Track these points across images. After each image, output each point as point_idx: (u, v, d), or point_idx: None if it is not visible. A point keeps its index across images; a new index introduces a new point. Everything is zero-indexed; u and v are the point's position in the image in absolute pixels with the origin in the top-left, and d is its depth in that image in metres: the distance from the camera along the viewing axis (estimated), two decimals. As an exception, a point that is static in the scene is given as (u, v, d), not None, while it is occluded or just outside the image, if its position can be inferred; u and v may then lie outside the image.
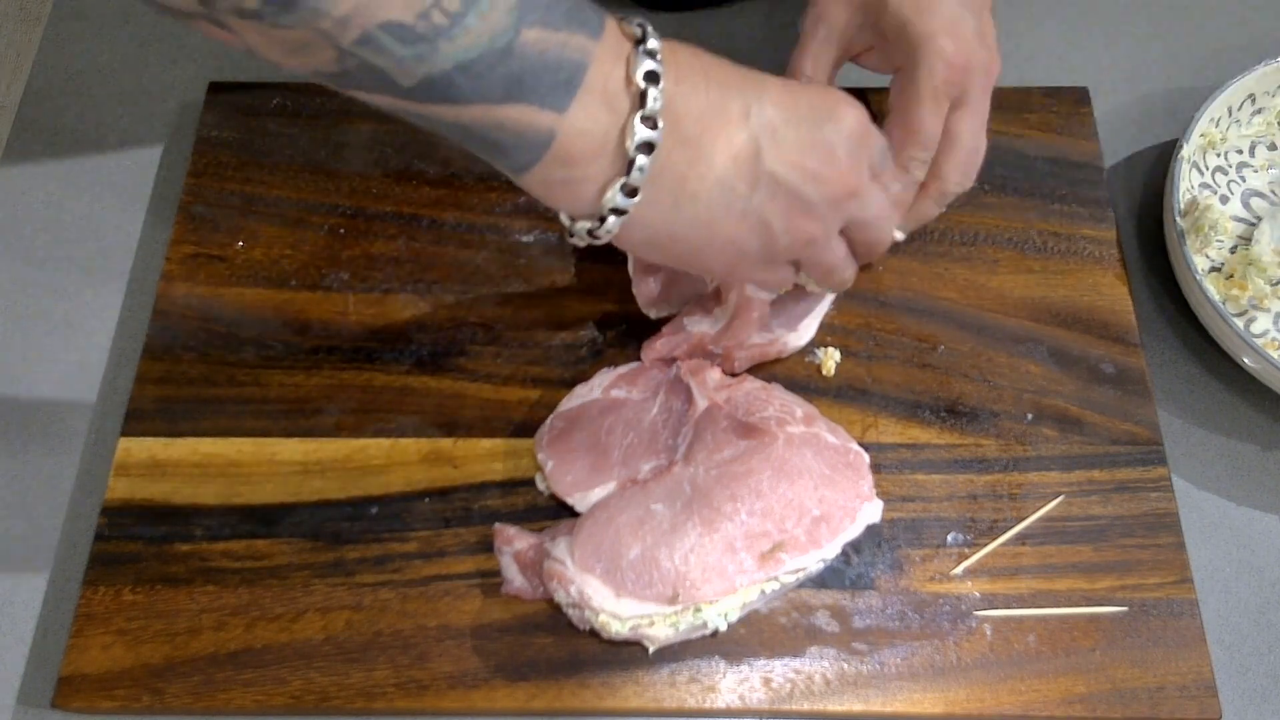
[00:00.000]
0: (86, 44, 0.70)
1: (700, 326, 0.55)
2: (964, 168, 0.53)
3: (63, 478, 0.56)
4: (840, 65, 0.54)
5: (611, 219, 0.41)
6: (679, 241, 0.43)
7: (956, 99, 0.51)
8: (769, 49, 0.70)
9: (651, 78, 0.38)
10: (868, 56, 0.53)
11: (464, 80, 0.36)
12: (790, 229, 0.44)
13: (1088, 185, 0.62)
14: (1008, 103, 0.65)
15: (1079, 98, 0.65)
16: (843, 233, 0.48)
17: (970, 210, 0.62)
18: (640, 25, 0.40)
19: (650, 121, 0.39)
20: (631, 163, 0.39)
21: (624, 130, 0.39)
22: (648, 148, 0.39)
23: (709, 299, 0.55)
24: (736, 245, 0.44)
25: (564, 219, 0.43)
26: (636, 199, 0.40)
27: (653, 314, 0.57)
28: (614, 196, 0.40)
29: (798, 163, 0.42)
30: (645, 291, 0.57)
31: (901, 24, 0.50)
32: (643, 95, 0.38)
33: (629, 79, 0.38)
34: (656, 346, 0.55)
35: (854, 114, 0.44)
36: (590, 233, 0.42)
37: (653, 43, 0.39)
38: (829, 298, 0.57)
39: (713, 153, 0.41)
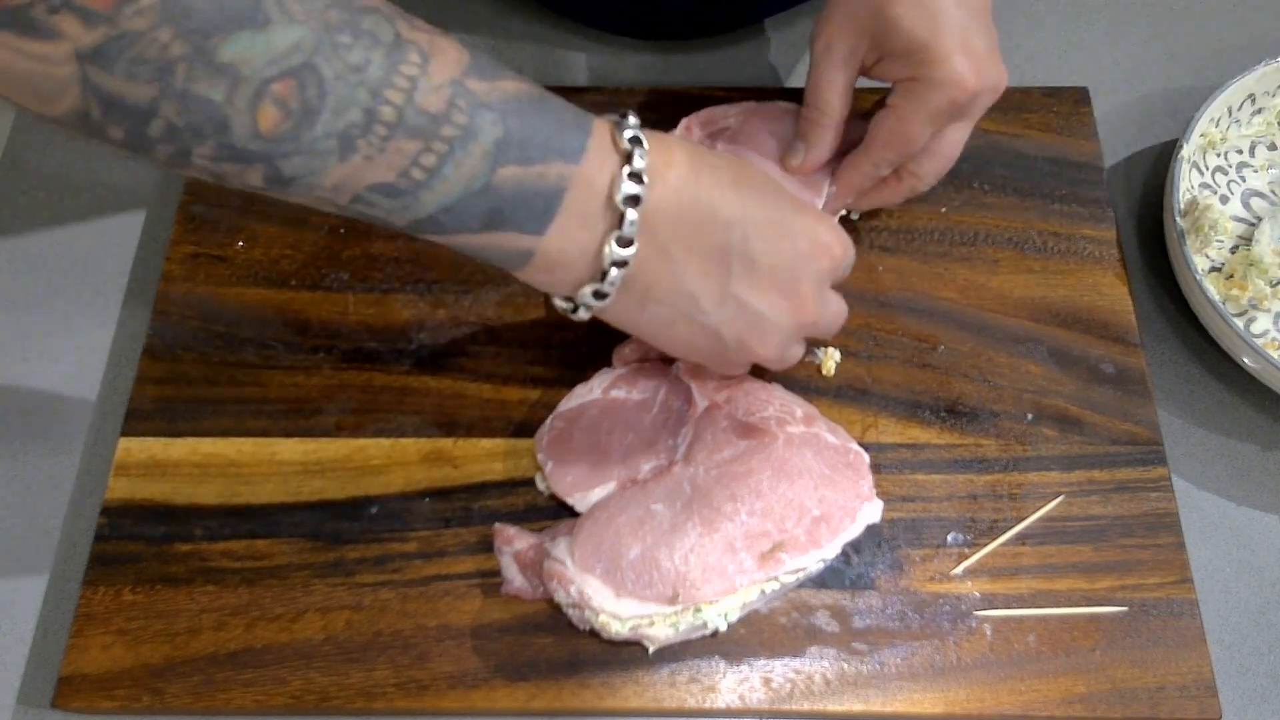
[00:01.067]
0: (86, 44, 0.70)
1: None
2: (941, 173, 0.55)
3: (63, 478, 0.56)
4: (854, 84, 0.53)
5: (582, 310, 0.44)
6: (641, 330, 0.47)
7: (957, 115, 0.52)
8: (768, 75, 0.70)
9: (632, 201, 0.41)
10: (877, 69, 0.52)
11: (446, 219, 0.39)
12: (742, 345, 0.47)
13: (1088, 185, 0.62)
14: (1008, 103, 0.64)
15: (1079, 98, 0.65)
16: None
17: (970, 210, 0.62)
18: (633, 139, 0.41)
19: (625, 241, 0.41)
20: (605, 274, 0.42)
21: (600, 245, 0.41)
22: (620, 264, 0.42)
23: None
24: (688, 345, 0.47)
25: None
26: (606, 301, 0.44)
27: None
28: (585, 296, 0.43)
29: (766, 291, 0.45)
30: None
31: (914, 44, 0.49)
32: (620, 217, 0.41)
33: (609, 199, 0.41)
34: (625, 352, 0.55)
35: (838, 250, 0.47)
36: (568, 311, 0.45)
37: (639, 162, 0.41)
38: None
39: (685, 266, 0.43)
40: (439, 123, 0.37)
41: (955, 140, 0.53)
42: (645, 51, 0.69)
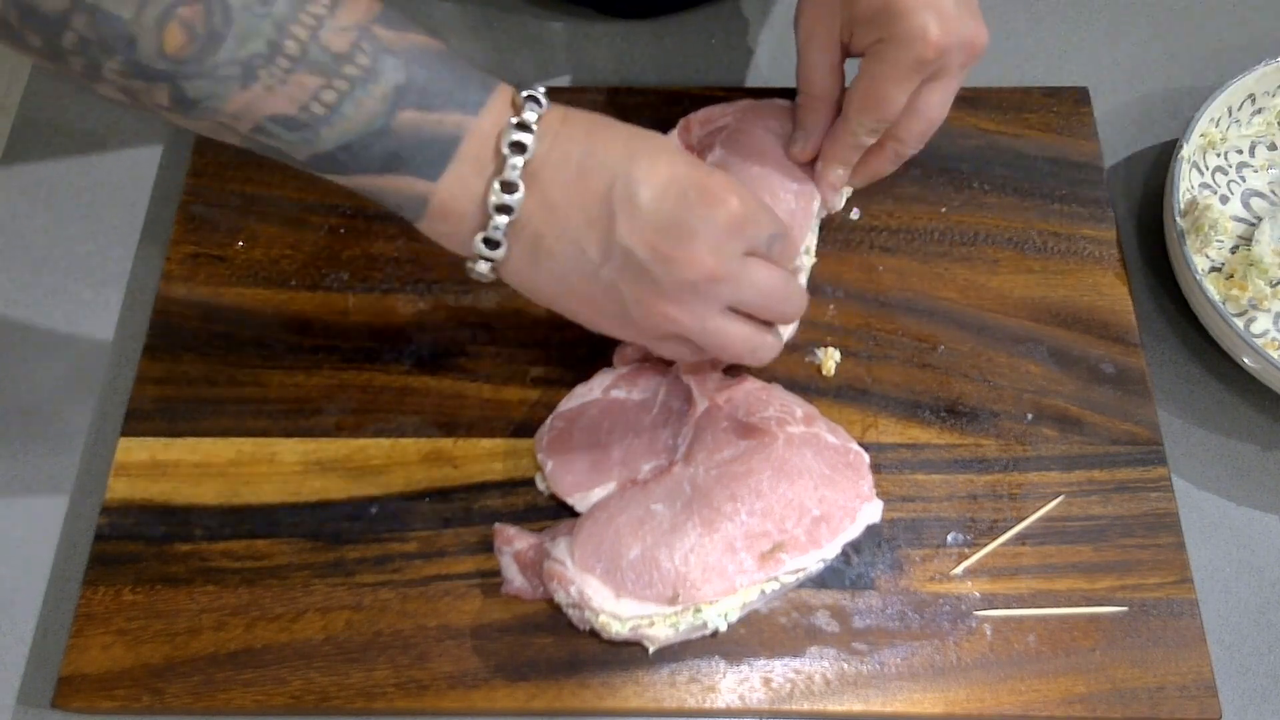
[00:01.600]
0: (86, 44, 0.70)
1: None
2: (925, 135, 0.53)
3: (63, 478, 0.56)
4: (841, 64, 0.53)
5: (481, 264, 0.45)
6: (541, 292, 0.47)
7: (931, 74, 0.50)
8: (739, 52, 0.70)
9: (517, 147, 0.42)
10: (854, 42, 0.52)
11: (345, 156, 0.41)
12: (642, 304, 0.45)
13: (1088, 185, 0.62)
14: (1008, 103, 0.65)
15: (1079, 98, 0.65)
16: (738, 311, 0.48)
17: (970, 210, 0.62)
18: (529, 98, 0.43)
19: (508, 187, 0.43)
20: (489, 219, 0.43)
21: (486, 192, 0.43)
22: (505, 209, 0.43)
23: None
24: (592, 307, 0.47)
25: None
26: (499, 251, 0.44)
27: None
28: (478, 245, 0.44)
29: (649, 241, 0.44)
30: None
31: (877, 5, 0.48)
32: (504, 162, 0.43)
33: (497, 149, 0.43)
34: (628, 352, 0.55)
35: (733, 202, 0.45)
36: (469, 270, 0.46)
37: (529, 115, 0.43)
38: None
39: (569, 216, 0.44)
40: (341, 62, 0.39)
41: (935, 101, 0.52)
42: (617, 26, 0.69)
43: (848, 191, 0.58)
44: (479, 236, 0.44)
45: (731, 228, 0.45)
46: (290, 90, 0.39)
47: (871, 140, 0.53)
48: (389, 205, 0.44)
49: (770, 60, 0.70)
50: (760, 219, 0.46)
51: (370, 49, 0.40)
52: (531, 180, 0.43)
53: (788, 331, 0.56)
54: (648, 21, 0.70)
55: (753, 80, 0.69)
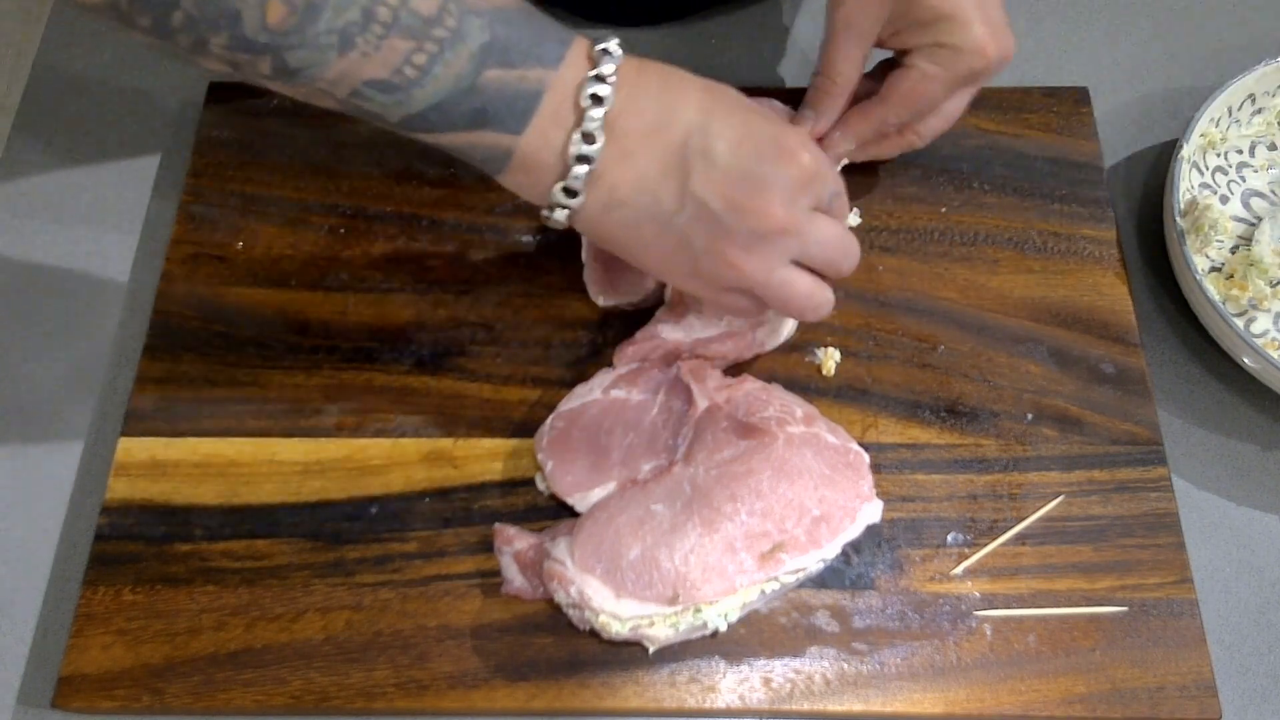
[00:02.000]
0: (86, 44, 0.70)
1: (673, 334, 0.55)
2: (939, 133, 0.57)
3: (63, 478, 0.56)
4: (868, 57, 0.54)
5: (558, 211, 0.46)
6: (614, 240, 0.48)
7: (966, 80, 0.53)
8: (755, 55, 0.70)
9: (595, 100, 0.44)
10: (894, 39, 0.54)
11: (436, 116, 0.43)
12: (712, 253, 0.46)
13: (1088, 185, 0.62)
14: (1008, 103, 0.65)
15: (1079, 98, 0.65)
16: (800, 264, 0.49)
17: (970, 210, 0.62)
18: (603, 51, 0.44)
19: (588, 138, 0.44)
20: (569, 170, 0.45)
21: (567, 142, 0.44)
22: (584, 160, 0.44)
23: (677, 303, 0.55)
24: (660, 255, 0.48)
25: None
26: (577, 200, 0.46)
27: (600, 301, 0.58)
28: (557, 194, 0.45)
29: (724, 192, 0.45)
30: (590, 278, 0.58)
31: (939, 13, 0.51)
32: (584, 114, 0.44)
33: (577, 102, 0.44)
34: (628, 352, 0.55)
35: (805, 158, 0.46)
36: (546, 218, 0.47)
37: (606, 68, 0.44)
38: None
39: (647, 166, 0.45)
40: (430, 25, 0.41)
41: (960, 104, 0.56)
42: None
43: (842, 162, 0.59)
44: (559, 186, 0.45)
45: (802, 182, 0.46)
46: (384, 55, 0.41)
47: (895, 127, 0.56)
48: (474, 161, 0.45)
49: (771, 61, 0.70)
50: (826, 175, 0.48)
51: (456, 10, 0.41)
52: (609, 131, 0.44)
53: (786, 330, 0.57)
54: (653, 29, 0.70)
55: (753, 81, 0.69)
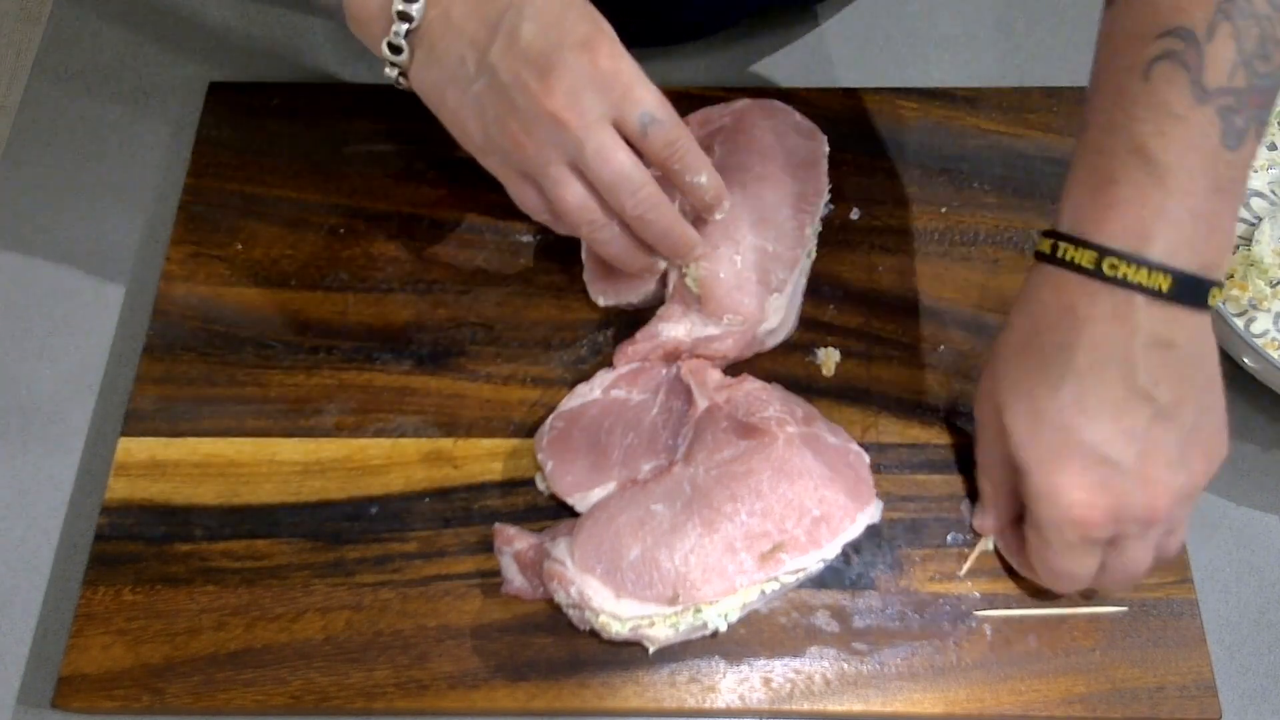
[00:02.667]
0: (86, 44, 0.70)
1: (674, 332, 0.55)
2: (1123, 583, 0.49)
3: (63, 478, 0.56)
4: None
5: (389, 68, 0.49)
6: (430, 99, 0.50)
7: (1110, 540, 0.46)
8: (766, 74, 0.70)
9: None
10: None
11: None
12: (500, 125, 0.47)
13: (1088, 185, 0.62)
14: (1008, 103, 0.65)
15: (1079, 98, 0.65)
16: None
17: (970, 210, 0.62)
18: None
19: None
20: (391, 25, 0.47)
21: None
22: (404, 17, 0.47)
23: (677, 302, 0.55)
24: (459, 122, 0.49)
25: None
26: (402, 57, 0.48)
27: (600, 302, 0.58)
28: (385, 50, 0.48)
29: (513, 66, 0.46)
30: (590, 278, 0.58)
31: (1020, 464, 0.46)
32: None
33: None
34: (629, 351, 0.55)
35: (606, 61, 0.45)
36: (388, 78, 0.50)
37: None
38: (790, 286, 0.56)
39: (462, 30, 0.47)
40: None
41: (1119, 565, 0.47)
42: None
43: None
44: (384, 40, 0.48)
45: (595, 81, 0.45)
46: None
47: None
48: (327, 10, 0.50)
49: (771, 62, 0.70)
50: (638, 93, 0.46)
51: None
52: None
53: (785, 329, 0.56)
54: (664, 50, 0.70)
55: (753, 81, 0.69)
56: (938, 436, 0.55)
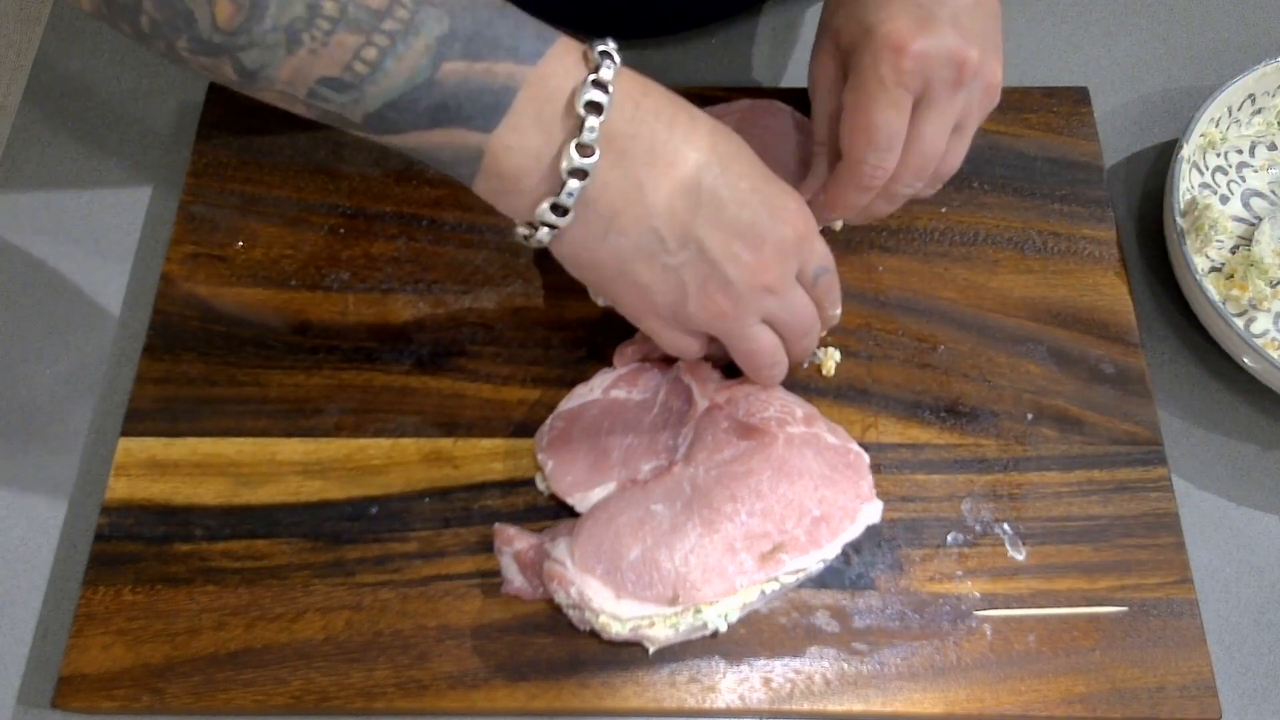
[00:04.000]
0: (86, 44, 0.70)
1: None
2: (916, 170, 0.49)
3: (63, 478, 0.56)
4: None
5: (543, 230, 0.44)
6: (599, 268, 0.46)
7: (919, 95, 0.48)
8: (765, 74, 0.70)
9: (593, 108, 0.41)
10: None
11: (394, 114, 0.41)
12: (703, 297, 0.46)
13: (1088, 185, 0.62)
14: (1008, 103, 0.65)
15: (1079, 98, 0.65)
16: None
17: (970, 210, 0.62)
18: (603, 53, 0.42)
19: (585, 150, 0.41)
20: (563, 185, 0.42)
21: (559, 153, 0.42)
22: (580, 174, 0.42)
23: None
24: (649, 294, 0.46)
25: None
26: (567, 219, 0.43)
27: (600, 302, 0.58)
28: (544, 212, 0.43)
29: (727, 241, 0.45)
30: None
31: (863, 24, 0.47)
32: (581, 123, 0.41)
33: (570, 106, 0.41)
34: (628, 352, 0.55)
35: (799, 222, 0.46)
36: (525, 238, 0.45)
37: (606, 73, 0.41)
38: None
39: (655, 198, 0.43)
40: (380, 17, 0.39)
41: (928, 132, 0.48)
42: (627, 50, 0.69)
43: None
44: (547, 202, 0.42)
45: (795, 247, 0.47)
46: (333, 51, 0.39)
47: (879, 181, 0.50)
48: (447, 167, 0.43)
49: (771, 62, 0.70)
50: (817, 248, 0.48)
51: (410, 2, 0.39)
52: (609, 148, 0.42)
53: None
54: (656, 42, 0.70)
55: (753, 81, 0.69)
56: (938, 436, 0.55)
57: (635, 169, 0.43)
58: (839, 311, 0.53)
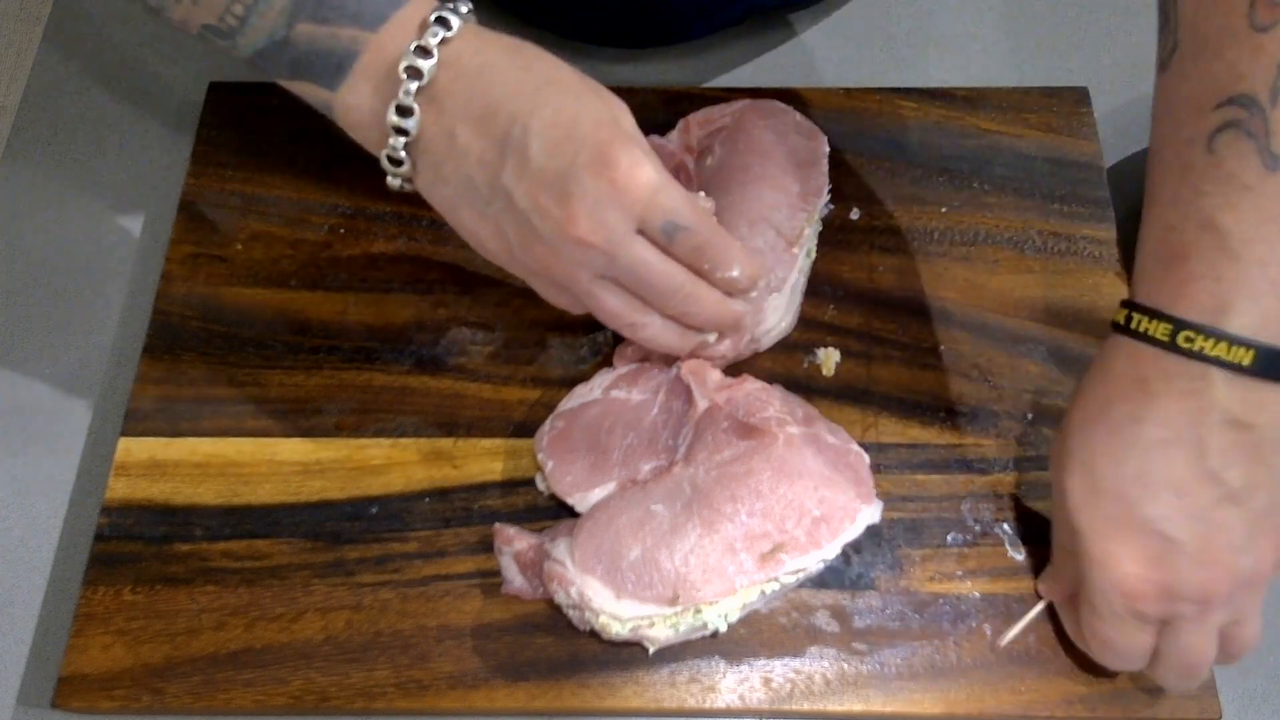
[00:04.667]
0: (86, 44, 0.70)
1: None
2: (1185, 677, 0.46)
3: (63, 478, 0.56)
4: None
5: (391, 178, 0.48)
6: (439, 208, 0.49)
7: (1165, 620, 0.44)
8: (765, 74, 0.70)
9: (413, 72, 0.44)
10: None
11: (263, 62, 0.47)
12: (524, 249, 0.46)
13: (1088, 185, 0.62)
14: (1008, 103, 0.65)
15: (1079, 98, 0.65)
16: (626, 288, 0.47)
17: (970, 210, 0.62)
18: (439, 19, 0.45)
19: (403, 111, 0.45)
20: (386, 139, 0.46)
21: (385, 113, 0.45)
22: (400, 131, 0.45)
23: None
24: (481, 241, 0.48)
25: None
26: (404, 169, 0.47)
27: None
28: (385, 162, 0.47)
29: (530, 191, 0.44)
30: None
31: (1074, 530, 0.45)
32: (398, 86, 0.45)
33: (392, 70, 0.45)
34: (628, 352, 0.55)
35: (623, 174, 0.43)
36: (390, 185, 0.49)
37: (431, 39, 0.44)
38: (788, 286, 0.56)
39: (467, 150, 0.45)
40: None
41: (1174, 648, 0.44)
42: (622, 61, 0.69)
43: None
44: (383, 153, 0.47)
45: (615, 199, 0.43)
46: (210, 4, 0.45)
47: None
48: (318, 106, 0.48)
49: (772, 62, 0.70)
50: (662, 202, 0.44)
51: None
52: (432, 104, 0.45)
53: (778, 328, 0.56)
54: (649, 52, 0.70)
55: (753, 81, 0.69)
56: (938, 436, 0.55)
57: (452, 123, 0.45)
58: (736, 274, 0.48)
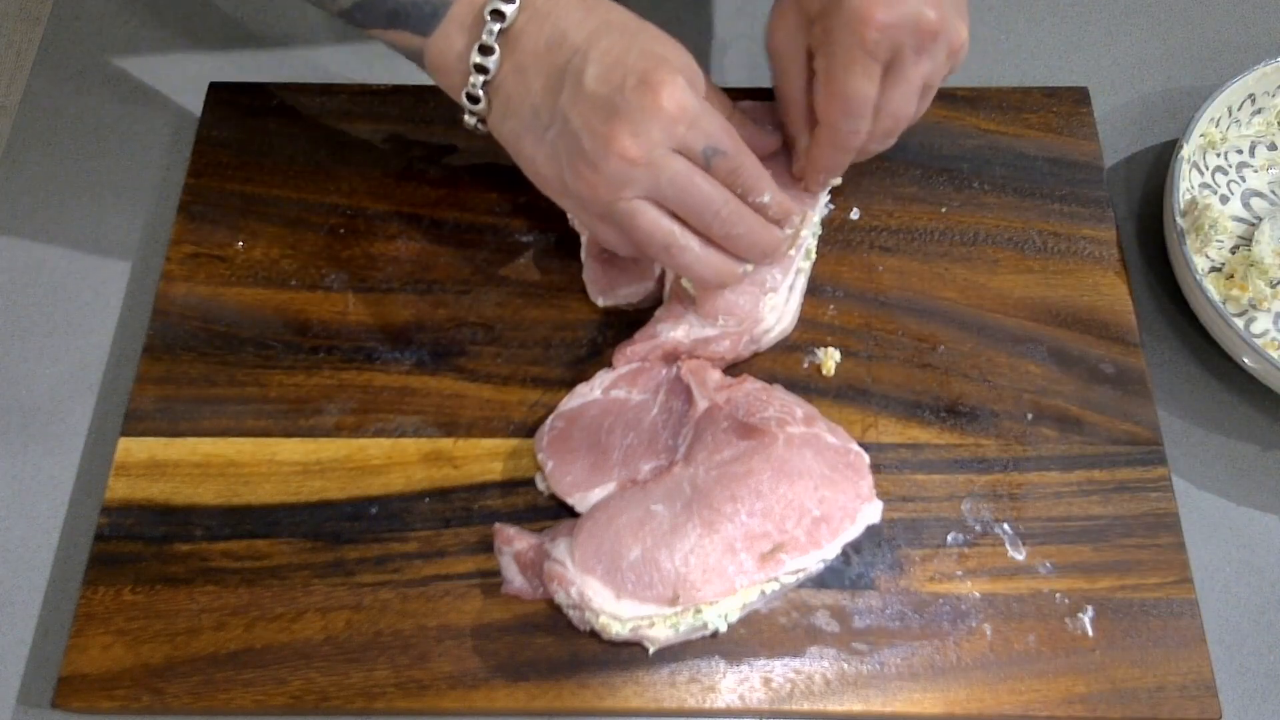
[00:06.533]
0: (86, 44, 0.70)
1: (672, 333, 0.55)
2: (886, 131, 0.53)
3: (63, 478, 0.56)
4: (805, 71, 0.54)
5: (468, 116, 0.51)
6: (510, 149, 0.51)
7: (888, 63, 0.50)
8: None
9: (496, 14, 0.48)
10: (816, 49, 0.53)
11: (360, 14, 0.51)
12: (573, 169, 0.48)
13: (1088, 185, 0.62)
14: (1008, 103, 0.65)
15: (1079, 98, 0.65)
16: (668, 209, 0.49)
17: (970, 210, 0.62)
18: None
19: (485, 50, 0.49)
20: (468, 78, 0.50)
21: (469, 53, 0.49)
22: (481, 69, 0.49)
23: (675, 303, 0.55)
24: (537, 167, 0.50)
25: None
26: (480, 106, 0.50)
27: (600, 302, 0.58)
28: (463, 99, 0.51)
29: (582, 113, 0.47)
30: (590, 278, 0.58)
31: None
32: (483, 28, 0.49)
33: (480, 15, 0.49)
34: (628, 352, 0.55)
35: (666, 96, 0.46)
36: (466, 123, 0.52)
37: None
38: (785, 286, 0.56)
39: (533, 81, 0.49)
40: None
41: (894, 96, 0.51)
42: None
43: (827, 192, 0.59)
44: (463, 91, 0.50)
45: (660, 118, 0.46)
46: None
47: (856, 144, 0.53)
48: (406, 57, 0.52)
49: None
50: (699, 124, 0.47)
51: None
52: (509, 46, 0.49)
53: (779, 327, 0.56)
54: None
55: (752, 80, 0.69)
56: (938, 436, 0.55)
57: (524, 60, 0.49)
58: (768, 199, 0.51)
